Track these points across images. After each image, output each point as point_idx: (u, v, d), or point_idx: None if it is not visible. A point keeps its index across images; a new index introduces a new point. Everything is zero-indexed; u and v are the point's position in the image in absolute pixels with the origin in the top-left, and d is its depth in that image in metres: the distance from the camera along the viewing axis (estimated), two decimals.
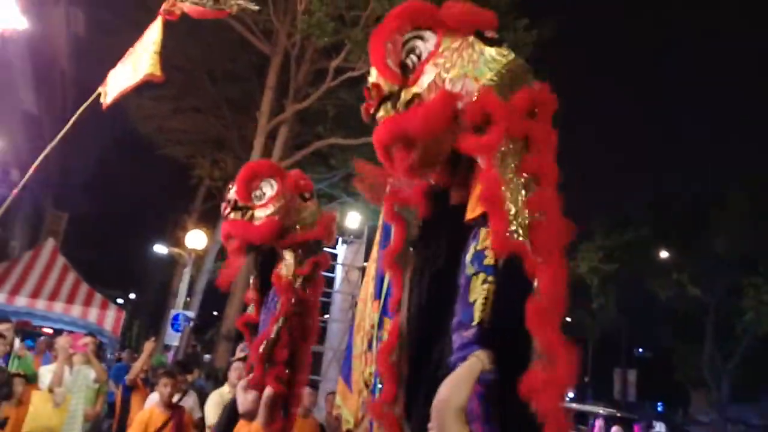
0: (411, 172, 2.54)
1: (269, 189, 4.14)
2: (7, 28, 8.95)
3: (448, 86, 2.27)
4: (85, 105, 5.04)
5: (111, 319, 9.42)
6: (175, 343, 13.72)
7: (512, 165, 2.13)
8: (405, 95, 2.32)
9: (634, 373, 28.84)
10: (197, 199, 19.51)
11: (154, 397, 6.21)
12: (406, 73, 2.35)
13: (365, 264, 7.80)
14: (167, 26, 4.92)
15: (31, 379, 6.30)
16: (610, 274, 27.85)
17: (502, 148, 2.14)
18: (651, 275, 27.32)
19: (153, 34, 4.82)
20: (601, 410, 20.20)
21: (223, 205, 4.31)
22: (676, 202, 27.45)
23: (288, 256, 4.19)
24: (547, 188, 2.13)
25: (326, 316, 17.60)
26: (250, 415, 4.77)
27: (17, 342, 7.26)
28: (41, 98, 15.76)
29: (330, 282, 16.62)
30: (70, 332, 8.48)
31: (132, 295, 33.96)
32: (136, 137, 18.16)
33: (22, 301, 9.01)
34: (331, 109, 14.34)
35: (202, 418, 6.42)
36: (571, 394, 41.54)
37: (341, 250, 15.86)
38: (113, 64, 5.16)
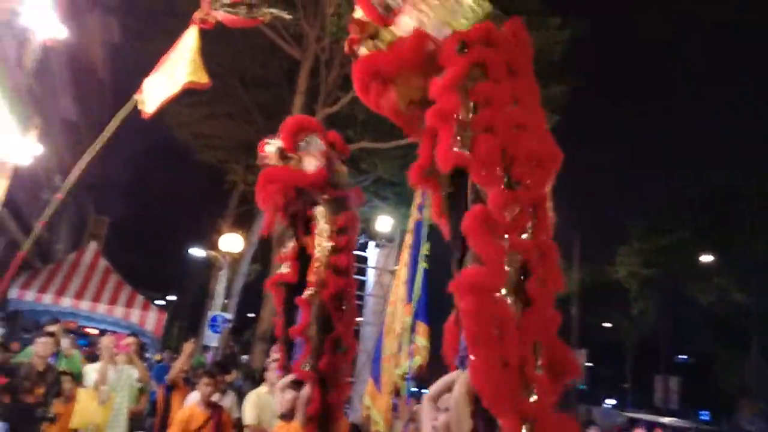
0: (389, 110, 2.64)
1: (315, 143, 4.28)
2: (47, 37, 9.25)
3: (429, 31, 2.37)
4: (122, 113, 5.19)
5: (153, 320, 9.66)
6: (214, 344, 13.95)
7: (465, 89, 2.25)
8: (386, 35, 2.45)
9: (675, 380, 28.05)
10: (231, 203, 19.82)
11: (194, 396, 6.31)
12: (388, 12, 2.47)
13: (396, 267, 7.83)
14: (199, 32, 5.04)
15: (78, 377, 6.50)
16: (649, 278, 27.17)
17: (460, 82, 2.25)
18: (692, 279, 26.53)
19: (188, 43, 4.94)
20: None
21: (266, 154, 4.41)
22: (718, 203, 26.60)
23: (324, 207, 4.29)
24: (499, 109, 2.22)
25: (360, 318, 17.70)
26: (289, 415, 4.87)
27: (65, 342, 7.47)
28: (80, 106, 16.22)
29: (362, 285, 16.70)
30: (114, 332, 8.68)
31: (171, 297, 34.55)
32: (173, 143, 18.59)
33: (67, 302, 9.30)
34: (361, 113, 14.40)
35: (240, 418, 6.53)
36: (612, 401, 40.81)
37: (373, 253, 15.93)
38: (149, 72, 5.29)
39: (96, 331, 17.50)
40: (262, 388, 6.39)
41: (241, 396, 7.55)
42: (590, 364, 32.40)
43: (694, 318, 29.56)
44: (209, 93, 16.11)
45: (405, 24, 2.49)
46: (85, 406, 6.09)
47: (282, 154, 4.32)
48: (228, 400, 7.24)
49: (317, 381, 4.31)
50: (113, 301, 9.61)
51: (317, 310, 4.18)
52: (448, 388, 2.45)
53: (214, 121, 16.98)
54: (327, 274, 4.17)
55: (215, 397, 6.32)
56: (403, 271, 7.42)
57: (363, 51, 2.61)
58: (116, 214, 23.38)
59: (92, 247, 10.73)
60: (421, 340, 6.65)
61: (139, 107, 5.17)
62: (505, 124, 2.23)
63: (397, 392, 7.19)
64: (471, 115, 2.25)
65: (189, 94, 15.69)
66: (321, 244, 4.24)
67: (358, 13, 2.64)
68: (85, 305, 9.35)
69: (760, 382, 27.12)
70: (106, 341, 6.41)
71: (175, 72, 5.01)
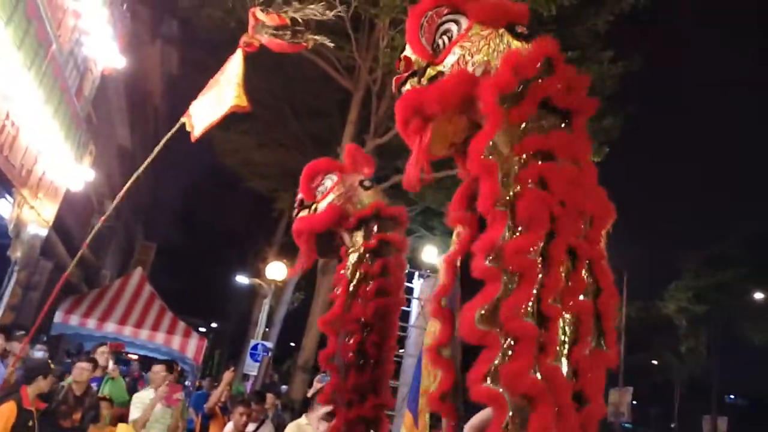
0: (427, 148, 2.57)
1: (330, 182, 4.24)
2: (107, 66, 9.55)
3: (469, 69, 2.34)
4: (169, 135, 5.23)
5: (193, 347, 9.67)
6: (254, 373, 13.93)
7: (510, 143, 2.19)
8: (430, 71, 2.41)
9: (725, 420, 26.97)
10: (278, 231, 19.97)
11: (230, 427, 6.26)
12: (437, 53, 2.44)
13: None
14: (252, 62, 5.09)
15: (122, 402, 6.47)
16: (701, 315, 26.46)
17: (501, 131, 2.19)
18: (744, 317, 25.78)
19: (235, 67, 4.98)
20: None
21: (294, 208, 4.42)
22: None
23: (347, 237, 4.21)
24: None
25: (401, 350, 17.46)
26: None
27: (111, 364, 7.52)
28: (135, 133, 16.67)
29: (406, 316, 16.51)
30: (159, 360, 8.72)
31: (214, 324, 34.89)
32: (222, 171, 18.90)
33: (110, 327, 9.40)
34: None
35: None
36: None
37: (417, 284, 15.76)
38: None
39: (136, 356, 17.73)
40: (303, 420, 6.30)
41: (279, 427, 7.47)
42: (636, 402, 31.48)
43: (746, 357, 28.60)
44: (261, 122, 16.44)
45: (448, 62, 2.44)
46: None
47: (302, 204, 4.33)
48: (266, 430, 7.16)
49: (341, 405, 4.23)
50: (155, 327, 9.66)
51: (342, 338, 4.09)
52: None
53: (264, 150, 17.23)
54: (352, 302, 4.09)
55: (251, 428, 6.25)
56: (443, 302, 7.23)
57: (407, 88, 2.61)
58: (164, 240, 23.85)
59: (138, 272, 10.86)
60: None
61: (188, 129, 5.18)
62: (558, 179, 2.14)
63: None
64: (513, 172, 2.19)
65: (241, 121, 16.11)
66: (351, 272, 4.17)
67: (406, 51, 2.66)
68: (128, 331, 9.41)
69: None
70: (162, 388, 6.12)
71: (222, 96, 5.04)
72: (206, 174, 22.25)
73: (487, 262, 2.10)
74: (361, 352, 4.10)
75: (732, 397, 37.21)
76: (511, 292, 1.98)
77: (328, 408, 5.04)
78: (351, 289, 4.18)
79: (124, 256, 22.03)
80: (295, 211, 4.35)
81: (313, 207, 4.25)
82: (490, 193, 2.14)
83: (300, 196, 4.30)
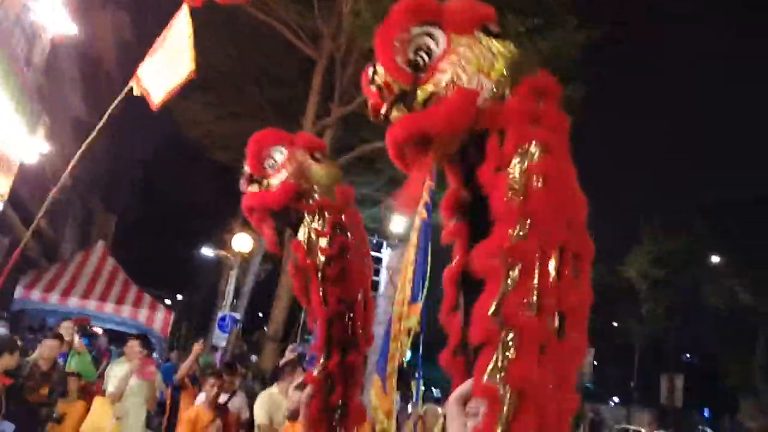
0: (424, 169, 2.52)
1: (280, 155, 4.09)
2: (57, 33, 9.16)
3: (465, 84, 2.17)
4: (117, 100, 5.02)
5: (160, 320, 9.56)
6: (223, 344, 13.91)
7: (521, 169, 2.14)
8: (421, 94, 2.20)
9: (681, 378, 28.06)
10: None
11: (202, 397, 6.25)
12: (417, 72, 2.23)
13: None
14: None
15: (89, 376, 6.39)
16: (660, 278, 27.30)
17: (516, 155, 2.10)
18: (703, 281, 26.70)
19: (183, 27, 4.78)
20: None
21: (241, 181, 4.29)
22: (734, 206, 26.71)
23: (308, 218, 4.11)
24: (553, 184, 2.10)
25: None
26: (295, 416, 4.78)
27: (77, 338, 7.40)
28: (90, 103, 16.18)
29: (374, 285, 16.62)
30: (127, 334, 8.64)
31: (179, 296, 34.57)
32: (184, 141, 18.51)
33: (73, 302, 9.22)
34: None
35: (250, 418, 6.46)
36: (616, 399, 41.10)
37: (385, 254, 15.85)
38: None
39: (101, 330, 17.49)
40: (274, 389, 6.33)
41: (250, 396, 7.48)
42: (596, 364, 32.42)
43: (702, 318, 29.69)
44: (222, 92, 16.07)
45: (440, 80, 2.39)
46: (99, 415, 6.03)
47: (250, 179, 4.16)
48: (238, 401, 7.17)
49: (322, 382, 4.25)
50: (121, 301, 9.51)
51: (322, 325, 4.07)
52: None
53: (226, 121, 16.84)
54: (325, 287, 4.04)
55: (223, 398, 6.25)
56: (408, 270, 7.32)
57: (395, 115, 2.47)
58: (125, 211, 23.38)
59: (100, 246, 10.64)
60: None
61: (137, 94, 4.98)
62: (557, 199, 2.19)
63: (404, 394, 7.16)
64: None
65: (201, 91, 15.71)
66: (313, 255, 4.09)
67: (380, 76, 2.50)
68: (92, 305, 9.25)
69: (764, 381, 27.19)
70: (136, 361, 6.16)
71: (175, 61, 4.84)
72: (167, 144, 21.81)
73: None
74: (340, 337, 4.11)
75: (688, 356, 38.62)
76: (513, 286, 2.00)
77: (302, 377, 5.07)
78: (319, 275, 4.10)
79: (84, 229, 21.57)
80: (243, 184, 4.19)
81: (265, 182, 4.10)
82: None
83: (248, 169, 4.15)
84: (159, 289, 24.42)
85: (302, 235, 4.14)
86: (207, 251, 22.87)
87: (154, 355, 10.12)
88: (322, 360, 4.24)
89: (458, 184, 2.60)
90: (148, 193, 27.01)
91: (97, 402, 6.04)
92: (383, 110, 2.43)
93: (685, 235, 26.81)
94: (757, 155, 41.53)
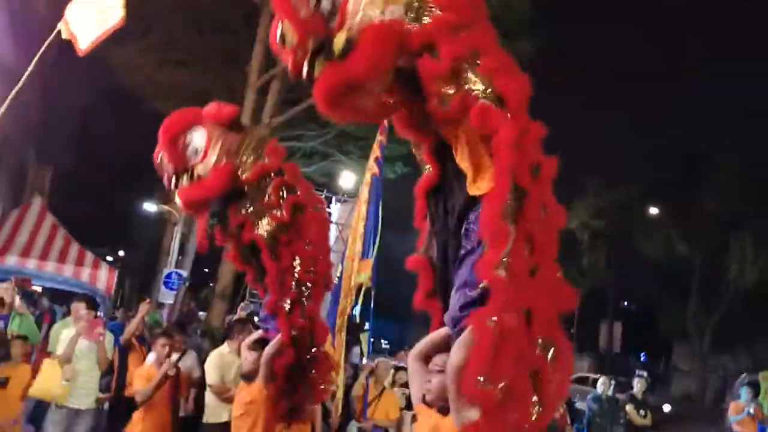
0: (363, 116, 2.44)
1: (200, 139, 3.78)
2: None
3: (377, 19, 2.12)
4: (46, 44, 4.72)
5: (103, 278, 9.27)
6: (169, 301, 13.68)
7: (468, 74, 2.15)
8: (338, 43, 2.15)
9: (619, 325, 29.40)
10: None
11: (153, 357, 6.16)
12: (326, 21, 2.18)
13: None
14: None
15: (33, 338, 6.18)
16: (600, 230, 28.18)
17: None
18: (640, 232, 27.71)
19: None
20: None
21: (165, 182, 3.94)
22: (670, 161, 27.69)
23: (251, 192, 3.89)
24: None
25: None
26: (252, 376, 4.72)
27: (18, 299, 7.14)
28: (20, 50, 15.22)
29: None
30: (70, 293, 8.38)
31: (122, 253, 33.78)
32: (123, 90, 17.68)
33: (12, 261, 8.83)
34: None
35: (202, 377, 6.40)
36: None
37: (335, 209, 15.74)
38: None
39: (40, 289, 16.91)
40: (225, 348, 6.28)
41: (200, 354, 7.39)
42: None
43: (639, 267, 30.89)
44: (161, 37, 15.28)
45: (353, 24, 2.17)
46: (48, 378, 5.85)
47: (176, 174, 3.79)
48: (189, 360, 7.08)
49: (291, 340, 4.19)
50: (62, 259, 9.14)
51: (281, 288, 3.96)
52: (438, 347, 2.47)
53: (166, 68, 16.09)
54: (281, 251, 3.90)
55: (174, 357, 6.16)
56: (359, 226, 7.31)
57: (317, 71, 2.27)
58: (61, 164, 22.35)
59: (38, 202, 10.16)
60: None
61: (66, 38, 4.65)
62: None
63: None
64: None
65: (138, 36, 14.91)
66: (262, 227, 3.91)
67: (291, 37, 2.25)
68: (32, 264, 8.87)
69: (695, 327, 28.71)
70: (82, 324, 5.94)
71: (105, 5, 4.52)
72: (104, 93, 20.77)
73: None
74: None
75: (626, 303, 40.32)
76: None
77: (256, 335, 5.00)
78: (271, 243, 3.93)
79: (17, 183, 20.58)
80: (169, 184, 3.85)
81: (193, 174, 3.76)
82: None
83: (168, 165, 3.81)
84: (100, 246, 23.75)
85: (243, 211, 3.93)
86: (149, 206, 22.27)
87: (100, 314, 9.86)
88: (284, 317, 4.16)
89: (433, 163, 2.51)
90: (85, 145, 25.86)
91: (46, 365, 5.88)
92: (304, 70, 2.25)
93: (625, 188, 27.64)
94: (693, 115, 42.81)
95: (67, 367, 5.78)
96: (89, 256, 9.47)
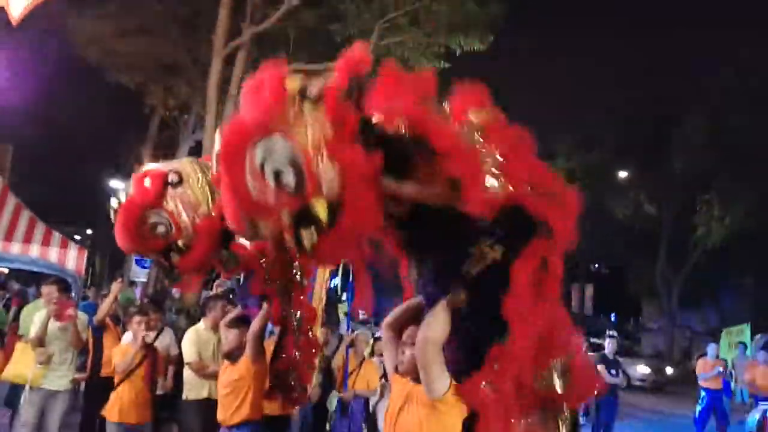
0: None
1: (156, 217, 3.54)
2: None
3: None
4: None
5: (72, 258, 8.98)
6: (142, 280, 13.47)
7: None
8: (321, 211, 1.91)
9: (591, 288, 30.02)
10: (151, 128, 18.72)
11: (129, 337, 6.07)
12: (293, 191, 1.89)
13: None
14: None
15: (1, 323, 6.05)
16: None
17: None
18: (610, 195, 28.08)
19: None
20: None
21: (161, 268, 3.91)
22: (638, 122, 27.90)
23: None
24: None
25: None
26: (235, 354, 4.66)
27: None
28: None
29: None
30: (38, 274, 8.19)
31: (89, 231, 33.12)
32: (83, 62, 17.05)
33: None
34: (293, 32, 13.59)
35: (179, 355, 6.34)
36: None
37: None
38: None
39: (6, 270, 16.52)
40: (201, 325, 6.22)
41: (176, 331, 7.31)
42: None
43: (610, 230, 31.40)
44: (119, 3, 14.65)
45: (329, 182, 2.01)
46: (21, 361, 5.85)
47: (164, 257, 3.58)
48: (166, 338, 7.01)
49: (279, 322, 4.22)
50: (28, 240, 8.81)
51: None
52: (410, 318, 2.57)
53: (126, 38, 15.38)
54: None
55: (150, 336, 6.09)
56: None
57: (308, 243, 2.01)
58: (21, 142, 21.68)
59: None
60: None
61: None
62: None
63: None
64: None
65: (94, 3, 14.34)
66: None
67: (262, 228, 2.04)
68: None
69: (664, 286, 29.42)
70: (52, 306, 5.84)
71: None
72: (63, 66, 20.09)
73: None
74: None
75: (596, 266, 41.12)
76: None
77: (234, 313, 4.92)
78: None
79: None
80: (166, 263, 3.69)
81: (180, 245, 3.55)
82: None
83: (156, 258, 3.67)
84: (67, 224, 23.24)
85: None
86: (116, 183, 21.79)
87: (72, 295, 9.64)
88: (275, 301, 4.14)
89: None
90: (46, 120, 25.09)
91: (18, 348, 5.79)
92: (292, 244, 1.97)
93: (597, 151, 27.91)
94: (662, 74, 43.14)
95: (40, 350, 5.71)
96: (56, 236, 9.17)
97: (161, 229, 3.52)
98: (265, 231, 1.99)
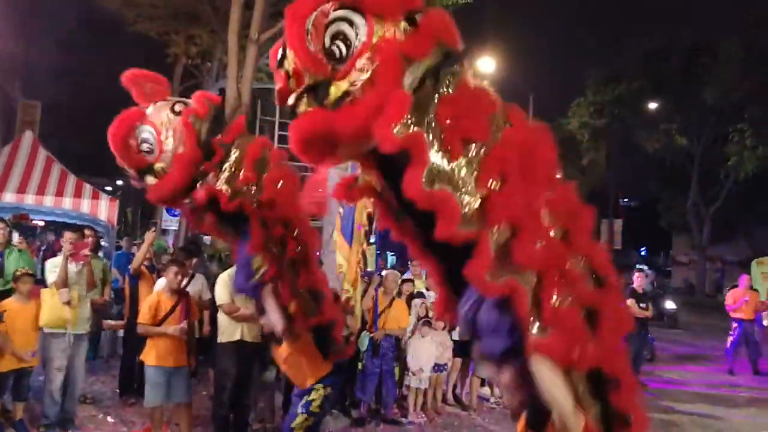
0: (333, 162, 2.37)
1: (149, 135, 3.73)
2: None
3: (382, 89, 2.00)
4: None
5: (104, 208, 9.17)
6: (173, 227, 13.72)
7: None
8: (335, 91, 2.02)
9: (619, 222, 29.77)
10: (175, 78, 18.67)
11: (162, 283, 6.24)
12: (333, 62, 2.02)
13: None
14: None
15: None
16: (601, 128, 27.95)
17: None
18: (640, 127, 27.49)
19: None
20: None
21: (132, 181, 3.99)
22: (669, 54, 27.00)
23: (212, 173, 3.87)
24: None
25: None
26: (276, 339, 4.79)
27: (15, 236, 7.17)
28: None
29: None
30: (71, 225, 8.39)
31: (120, 182, 33.58)
32: (105, 14, 16.98)
33: (9, 197, 8.73)
34: None
35: (212, 299, 6.52)
36: None
37: None
38: None
39: (42, 223, 16.93)
40: (233, 269, 6.33)
41: (209, 278, 7.48)
42: None
43: (638, 163, 30.90)
44: None
45: (357, 79, 2.02)
46: (51, 305, 5.97)
47: (139, 174, 3.77)
48: (198, 284, 7.20)
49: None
50: (60, 193, 9.02)
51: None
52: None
53: None
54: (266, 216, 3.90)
55: (183, 282, 6.26)
56: None
57: (302, 108, 2.09)
58: (49, 97, 21.84)
59: (28, 136, 9.92)
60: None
61: None
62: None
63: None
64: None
65: None
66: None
67: (291, 63, 2.08)
68: (30, 199, 8.76)
69: (695, 219, 29.04)
70: (67, 245, 6.08)
71: None
72: (87, 21, 20.01)
73: None
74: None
75: (626, 200, 40.71)
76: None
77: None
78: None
79: (6, 120, 20.23)
80: (135, 182, 3.87)
81: (157, 168, 3.71)
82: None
83: (131, 172, 3.79)
84: (97, 176, 23.60)
85: (220, 183, 3.87)
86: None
87: (104, 243, 9.90)
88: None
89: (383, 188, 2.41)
90: (71, 75, 25.21)
91: (46, 294, 6.00)
92: (291, 101, 2.09)
93: (625, 85, 27.19)
94: (692, 5, 41.33)
95: (63, 291, 5.94)
96: (87, 188, 9.36)
97: (146, 147, 3.71)
98: (287, 69, 2.10)
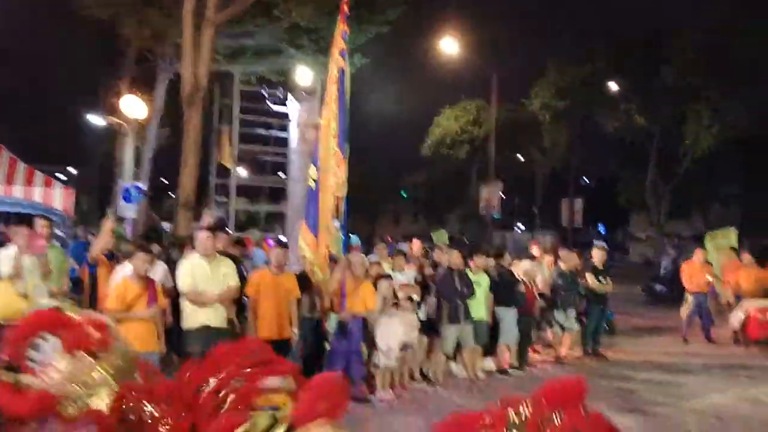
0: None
1: (47, 350, 3.09)
2: None
3: None
4: None
5: (59, 196, 8.86)
6: (130, 215, 13.42)
7: None
8: None
9: (580, 201, 30.20)
10: (128, 61, 18.15)
11: (125, 270, 6.10)
12: None
13: (322, 122, 7.51)
14: None
15: None
16: (562, 109, 28.34)
17: None
18: (600, 107, 27.99)
19: None
20: None
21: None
22: (630, 39, 27.52)
23: None
24: None
25: (284, 176, 17.32)
26: None
27: None
28: None
29: (284, 141, 16.15)
30: (24, 215, 8.13)
31: (73, 171, 32.71)
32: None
33: None
34: None
35: (174, 287, 6.42)
36: (521, 226, 44.32)
37: (293, 108, 15.22)
38: None
39: None
40: (195, 256, 6.24)
41: (170, 265, 7.33)
42: (504, 196, 34.51)
43: (598, 144, 31.47)
44: None
45: None
46: (4, 297, 5.80)
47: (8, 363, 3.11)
48: (160, 270, 7.03)
49: None
50: (10, 181, 8.64)
51: None
52: None
53: None
54: None
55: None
56: (332, 126, 7.15)
57: None
58: None
59: None
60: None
61: None
62: None
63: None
64: None
65: None
66: None
67: None
68: None
69: (653, 197, 29.73)
70: (21, 238, 5.98)
71: None
72: (33, 3, 19.32)
73: None
74: None
75: (586, 180, 41.50)
76: None
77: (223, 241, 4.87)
78: None
79: None
80: None
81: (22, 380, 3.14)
82: None
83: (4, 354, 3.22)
84: (49, 164, 22.90)
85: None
86: (95, 119, 21.37)
87: (59, 233, 9.59)
88: None
89: None
90: (20, 60, 24.38)
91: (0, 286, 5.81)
92: None
93: (589, 66, 27.67)
94: None
95: (19, 283, 5.82)
96: (39, 176, 9.00)
97: (34, 354, 2.98)
98: None
